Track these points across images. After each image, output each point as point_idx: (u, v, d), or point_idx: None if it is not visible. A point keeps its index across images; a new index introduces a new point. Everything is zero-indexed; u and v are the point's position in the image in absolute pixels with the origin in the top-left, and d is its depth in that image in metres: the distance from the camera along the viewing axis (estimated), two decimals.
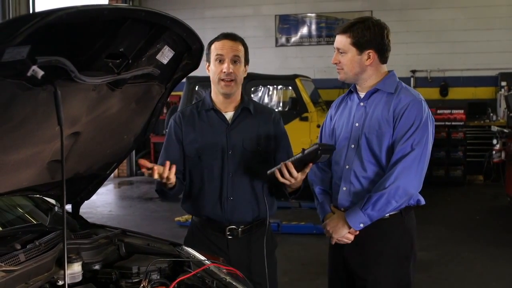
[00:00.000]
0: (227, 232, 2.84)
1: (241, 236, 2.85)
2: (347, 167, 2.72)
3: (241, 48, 2.80)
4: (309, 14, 12.30)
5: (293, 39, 12.38)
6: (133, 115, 2.22)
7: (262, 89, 9.63)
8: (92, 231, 2.61)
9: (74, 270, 2.20)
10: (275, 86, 9.59)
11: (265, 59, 12.27)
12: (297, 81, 9.16)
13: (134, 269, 2.29)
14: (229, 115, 2.88)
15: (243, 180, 2.81)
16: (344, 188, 2.72)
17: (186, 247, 2.63)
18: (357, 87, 2.79)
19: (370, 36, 2.65)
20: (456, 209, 8.91)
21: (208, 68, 2.85)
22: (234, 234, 2.84)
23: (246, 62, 2.86)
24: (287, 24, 12.39)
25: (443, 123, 10.87)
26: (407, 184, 2.57)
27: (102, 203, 9.86)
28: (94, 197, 9.27)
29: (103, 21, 1.49)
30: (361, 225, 2.61)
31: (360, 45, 2.64)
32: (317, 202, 2.88)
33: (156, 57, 1.92)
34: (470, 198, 9.73)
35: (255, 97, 9.59)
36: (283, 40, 12.46)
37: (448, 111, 10.89)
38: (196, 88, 9.66)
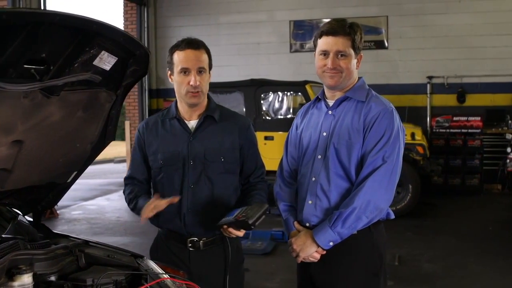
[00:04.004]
0: (189, 244, 2.76)
1: (204, 248, 2.76)
2: (313, 179, 2.59)
3: (205, 56, 2.69)
4: (324, 20, 12.14)
5: (308, 45, 12.24)
6: (83, 123, 2.15)
7: (272, 95, 9.52)
8: (53, 241, 2.55)
9: (24, 281, 2.13)
10: (285, 92, 9.47)
11: (279, 65, 12.21)
12: (307, 87, 9.04)
13: (89, 281, 2.23)
14: (192, 123, 2.78)
15: (204, 192, 2.72)
16: (310, 202, 2.59)
17: (147, 259, 2.56)
18: (327, 94, 2.67)
19: (362, 38, 2.57)
20: (469, 219, 8.67)
21: (171, 77, 2.74)
22: (196, 246, 2.76)
23: (211, 68, 2.76)
24: (302, 29, 12.28)
25: (459, 131, 10.68)
26: (378, 199, 2.44)
27: (112, 209, 9.88)
28: (104, 202, 9.38)
29: (8, 26, 1.41)
30: (331, 244, 2.47)
31: (357, 48, 2.55)
32: (282, 220, 2.76)
33: (94, 63, 1.85)
34: (485, 208, 9.46)
35: (265, 104, 9.51)
36: (297, 46, 12.36)
37: (465, 118, 10.66)
38: None
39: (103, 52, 1.83)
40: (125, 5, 12.82)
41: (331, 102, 2.64)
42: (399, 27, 11.58)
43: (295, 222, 2.67)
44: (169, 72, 2.75)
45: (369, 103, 2.53)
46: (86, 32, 1.69)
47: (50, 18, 1.51)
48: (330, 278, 2.58)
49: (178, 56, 2.66)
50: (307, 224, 2.61)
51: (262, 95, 9.47)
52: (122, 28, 12.00)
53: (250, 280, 5.77)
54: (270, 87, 9.47)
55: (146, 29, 12.74)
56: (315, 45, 2.61)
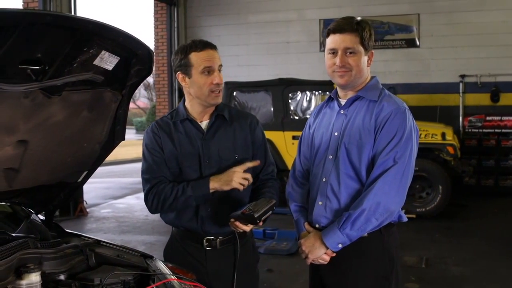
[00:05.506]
0: (205, 243, 2.74)
1: (220, 247, 2.74)
2: (324, 180, 2.54)
3: (219, 55, 2.71)
4: None
5: None
6: (89, 122, 2.16)
7: (300, 94, 9.47)
8: (64, 240, 2.57)
9: (32, 280, 2.15)
10: (313, 91, 9.41)
11: (309, 64, 12.10)
12: (335, 86, 8.95)
13: (96, 280, 2.24)
14: (204, 124, 2.78)
15: (222, 191, 2.68)
16: (320, 203, 2.55)
17: (157, 259, 2.56)
18: (339, 93, 2.63)
19: (372, 35, 2.51)
20: (501, 221, 8.46)
21: (185, 80, 2.68)
22: (212, 245, 2.74)
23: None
24: None
25: (492, 130, 10.45)
26: (388, 201, 2.37)
27: (141, 207, 9.95)
28: (133, 201, 9.49)
29: None
30: (339, 246, 2.42)
31: (366, 45, 2.49)
32: (293, 220, 2.72)
33: (94, 63, 1.84)
34: None
35: (293, 103, 9.47)
36: None
37: (498, 117, 10.42)
38: (234, 94, 9.62)
39: (103, 52, 1.82)
40: (155, 5, 12.92)
41: (343, 102, 2.59)
42: (431, 25, 11.36)
43: (305, 223, 2.63)
44: (181, 76, 2.69)
45: (381, 102, 2.47)
46: (83, 32, 1.69)
47: (41, 19, 1.51)
48: (340, 280, 2.53)
49: (197, 57, 2.63)
50: (317, 225, 2.57)
51: (290, 95, 9.44)
52: (153, 29, 12.10)
53: (274, 281, 5.75)
54: (298, 87, 9.43)
55: (176, 29, 12.81)
56: (324, 45, 2.58)
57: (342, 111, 2.57)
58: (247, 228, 2.52)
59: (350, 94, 2.56)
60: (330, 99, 2.69)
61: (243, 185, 2.58)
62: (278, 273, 5.99)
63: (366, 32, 2.48)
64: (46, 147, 2.10)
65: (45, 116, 1.91)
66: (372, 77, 2.60)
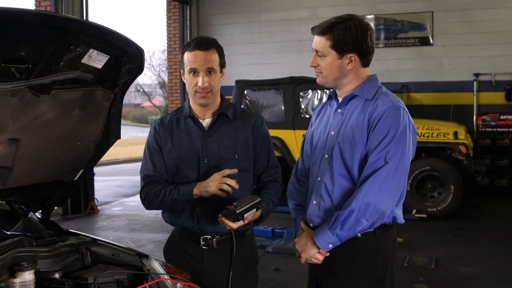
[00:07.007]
0: (202, 242, 2.73)
1: (217, 247, 2.72)
2: (318, 179, 2.51)
3: (215, 57, 2.66)
4: (367, 16, 11.93)
5: None
6: (81, 121, 2.15)
7: (311, 93, 9.42)
8: (60, 239, 2.57)
9: (25, 278, 2.15)
10: (324, 90, 9.34)
11: None
12: None
13: (90, 279, 2.24)
14: (206, 122, 2.76)
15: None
16: (314, 202, 2.52)
17: (152, 259, 2.55)
18: (337, 92, 2.60)
19: (352, 38, 2.41)
20: None
21: (184, 76, 2.72)
22: (209, 245, 2.72)
23: (223, 66, 2.73)
24: None
25: (506, 130, 10.31)
26: (378, 201, 2.31)
27: None
28: None
29: None
30: (330, 246, 2.38)
31: (340, 49, 2.42)
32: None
33: (82, 62, 1.83)
34: None
35: (303, 101, 9.43)
36: None
37: None
38: (245, 92, 9.61)
39: (91, 50, 1.81)
40: (168, 4, 12.95)
41: (340, 100, 2.56)
42: (445, 23, 11.23)
43: (302, 222, 2.61)
44: (182, 71, 2.75)
45: (376, 101, 2.42)
46: (67, 30, 1.67)
47: (22, 16, 1.50)
48: (333, 281, 2.50)
49: (187, 56, 2.65)
50: (311, 225, 2.55)
51: (300, 93, 9.40)
52: (165, 27, 12.10)
53: (281, 280, 5.74)
54: (308, 85, 9.36)
55: (188, 28, 12.82)
56: None
57: (339, 110, 2.55)
58: (234, 225, 2.50)
59: (345, 92, 2.53)
60: (330, 97, 2.66)
61: (222, 190, 2.54)
62: (285, 272, 5.97)
63: (339, 35, 2.41)
64: (38, 146, 2.09)
65: (34, 115, 1.90)
66: (371, 75, 2.56)
